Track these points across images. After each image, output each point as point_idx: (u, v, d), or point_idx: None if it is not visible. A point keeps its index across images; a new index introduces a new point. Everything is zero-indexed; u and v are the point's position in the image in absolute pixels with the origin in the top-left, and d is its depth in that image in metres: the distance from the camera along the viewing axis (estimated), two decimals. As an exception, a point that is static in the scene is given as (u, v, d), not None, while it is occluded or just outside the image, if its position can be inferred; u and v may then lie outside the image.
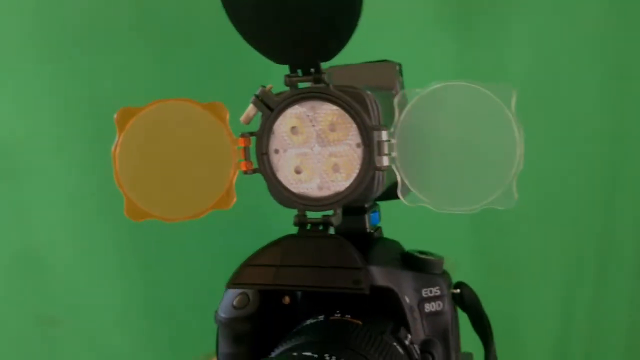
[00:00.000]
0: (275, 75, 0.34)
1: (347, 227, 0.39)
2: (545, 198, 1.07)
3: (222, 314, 0.39)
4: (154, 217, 0.33)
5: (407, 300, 0.37)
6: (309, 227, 0.33)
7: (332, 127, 0.32)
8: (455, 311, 0.39)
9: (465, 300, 0.39)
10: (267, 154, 0.34)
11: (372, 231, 0.40)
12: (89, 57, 0.63)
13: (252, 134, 0.34)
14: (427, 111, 0.28)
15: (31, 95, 0.66)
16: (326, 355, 0.29)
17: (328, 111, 0.32)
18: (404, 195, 0.31)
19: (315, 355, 0.28)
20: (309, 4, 0.29)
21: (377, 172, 0.32)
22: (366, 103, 0.31)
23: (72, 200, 0.68)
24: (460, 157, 0.29)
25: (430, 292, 0.38)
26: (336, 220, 0.32)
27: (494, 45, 0.91)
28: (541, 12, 0.94)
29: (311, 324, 0.34)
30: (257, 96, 0.33)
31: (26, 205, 0.69)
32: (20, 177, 0.67)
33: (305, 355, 0.29)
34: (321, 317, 0.35)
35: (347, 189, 0.32)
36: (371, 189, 0.33)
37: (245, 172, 0.34)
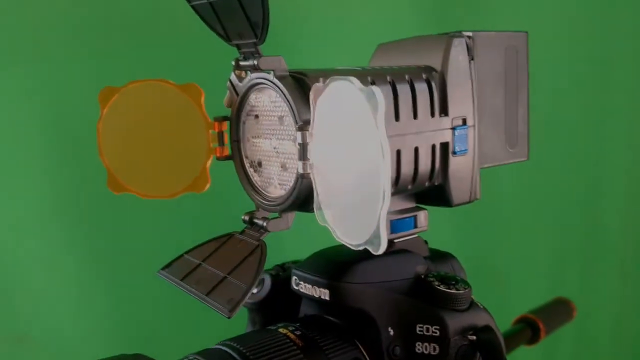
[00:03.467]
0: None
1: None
2: (528, 197, 1.08)
3: None
4: (131, 192, 0.35)
5: (391, 332, 0.33)
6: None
7: (281, 120, 0.30)
8: (463, 358, 0.33)
9: (482, 349, 0.32)
10: (237, 141, 0.33)
11: (390, 239, 0.35)
12: (48, 48, 0.59)
13: (225, 118, 0.33)
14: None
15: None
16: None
17: (277, 101, 0.30)
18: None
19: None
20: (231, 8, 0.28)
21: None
22: (303, 95, 0.28)
23: (39, 203, 0.64)
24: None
25: (427, 330, 0.32)
26: (273, 225, 0.30)
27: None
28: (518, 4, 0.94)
29: (256, 330, 0.33)
30: (230, 79, 0.33)
31: None
32: None
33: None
34: (280, 325, 0.33)
35: (286, 194, 0.30)
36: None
37: (219, 158, 0.34)
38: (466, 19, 0.94)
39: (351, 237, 0.25)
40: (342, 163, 0.25)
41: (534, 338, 0.65)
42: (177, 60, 0.56)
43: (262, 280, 0.40)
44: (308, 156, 0.27)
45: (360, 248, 0.25)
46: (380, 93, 0.22)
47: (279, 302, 0.38)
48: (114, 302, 0.64)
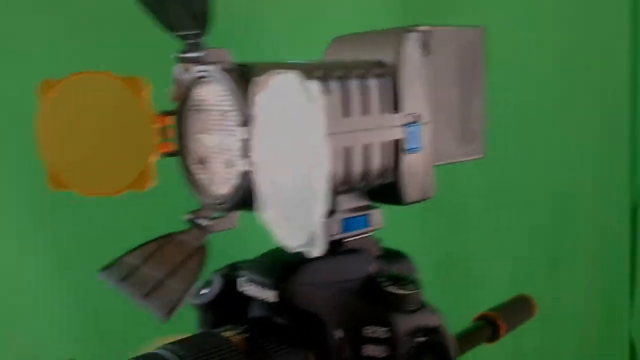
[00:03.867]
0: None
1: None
2: (498, 195, 1.09)
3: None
4: (72, 190, 0.34)
5: (339, 335, 0.32)
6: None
7: (225, 115, 0.29)
8: (413, 361, 0.32)
9: (431, 350, 0.32)
10: (182, 136, 0.32)
11: (336, 240, 0.35)
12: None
13: (170, 112, 0.32)
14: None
15: None
16: None
17: (221, 95, 0.29)
18: None
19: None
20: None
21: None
22: (246, 89, 0.27)
23: None
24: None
25: (375, 331, 0.32)
26: (216, 225, 0.29)
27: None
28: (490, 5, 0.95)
29: (200, 333, 0.32)
30: (175, 72, 0.32)
31: None
32: None
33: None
34: (228, 327, 0.33)
35: (230, 192, 0.29)
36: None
37: (163, 154, 0.33)
38: (435, 11, 0.94)
39: (291, 239, 0.24)
40: (284, 160, 0.24)
41: (494, 336, 0.65)
42: (124, 52, 0.54)
43: (212, 281, 0.39)
44: (251, 153, 0.27)
45: (300, 250, 0.24)
46: (317, 88, 0.21)
47: (229, 302, 0.37)
48: (68, 300, 0.63)
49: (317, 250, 0.23)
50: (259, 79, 0.24)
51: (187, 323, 0.41)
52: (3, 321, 0.61)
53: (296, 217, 0.23)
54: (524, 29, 1.06)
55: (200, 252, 0.28)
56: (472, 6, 0.96)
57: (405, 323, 0.32)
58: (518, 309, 0.72)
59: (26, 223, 0.61)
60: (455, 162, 0.39)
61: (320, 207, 0.22)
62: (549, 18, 1.11)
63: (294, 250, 0.24)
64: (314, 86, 0.21)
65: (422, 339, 0.32)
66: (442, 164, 0.38)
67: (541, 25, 1.09)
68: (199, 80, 0.29)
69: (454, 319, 0.49)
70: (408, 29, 0.34)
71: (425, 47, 0.34)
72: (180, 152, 0.32)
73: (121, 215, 0.55)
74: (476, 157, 0.39)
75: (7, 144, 0.57)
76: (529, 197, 1.19)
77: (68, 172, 0.34)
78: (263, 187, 0.25)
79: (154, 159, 0.33)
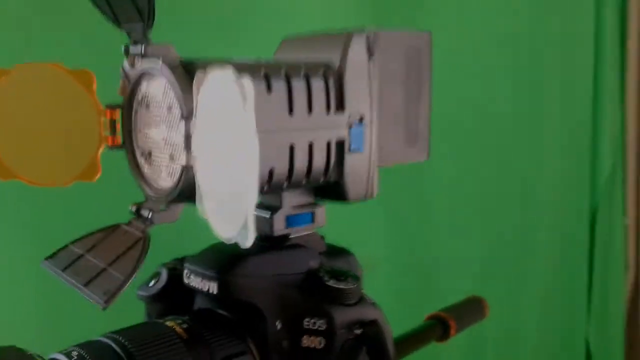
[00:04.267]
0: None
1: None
2: (460, 194, 1.12)
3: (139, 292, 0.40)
4: (20, 179, 0.34)
5: (279, 326, 0.33)
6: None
7: (170, 110, 0.30)
8: (350, 352, 0.33)
9: (368, 342, 0.33)
10: (129, 130, 0.33)
11: (281, 235, 0.36)
12: None
13: (118, 106, 0.33)
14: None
15: None
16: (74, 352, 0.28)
17: (165, 90, 0.30)
18: None
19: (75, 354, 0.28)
20: None
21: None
22: (189, 84, 0.28)
23: None
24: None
25: (314, 324, 0.33)
26: (159, 217, 0.30)
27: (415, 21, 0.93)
28: (456, 10, 0.98)
29: (143, 322, 0.33)
30: (122, 66, 0.33)
31: None
32: None
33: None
34: (170, 317, 0.34)
35: (172, 186, 0.30)
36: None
37: (111, 147, 0.34)
38: (403, 14, 0.96)
39: (224, 231, 0.25)
40: (220, 155, 0.25)
41: (444, 335, 0.67)
42: (73, 44, 0.55)
43: (159, 274, 0.40)
44: (192, 147, 0.28)
45: (232, 241, 0.25)
46: (250, 84, 0.22)
47: (176, 295, 0.38)
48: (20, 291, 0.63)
49: (247, 241, 0.24)
50: (200, 74, 0.25)
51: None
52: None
53: (229, 210, 0.24)
54: (488, 29, 1.08)
55: (141, 243, 0.29)
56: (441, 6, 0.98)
57: (343, 315, 0.33)
58: (469, 309, 0.74)
59: None
60: (400, 164, 0.40)
61: (250, 201, 0.23)
62: (515, 16, 1.13)
63: (228, 242, 0.25)
64: (247, 82, 0.22)
65: (359, 331, 0.33)
66: (387, 166, 0.39)
67: (505, 25, 1.11)
68: (145, 74, 0.30)
69: (415, 319, 0.50)
70: (354, 31, 0.35)
71: (371, 49, 0.35)
72: (127, 145, 0.33)
73: (71, 206, 0.55)
74: (421, 159, 0.41)
75: None
76: (490, 202, 1.22)
77: (17, 162, 0.34)
78: (201, 181, 0.26)
79: (101, 151, 0.34)
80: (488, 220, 1.21)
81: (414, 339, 0.65)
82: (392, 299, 0.66)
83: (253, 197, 0.23)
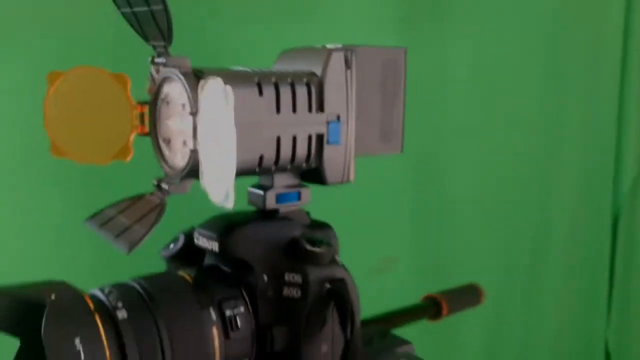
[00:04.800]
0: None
1: (250, 200, 0.45)
2: (482, 196, 1.17)
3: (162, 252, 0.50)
4: (69, 157, 0.44)
5: (265, 279, 0.42)
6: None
7: (183, 107, 0.39)
8: (321, 303, 0.42)
9: (334, 296, 0.42)
10: (154, 121, 0.42)
11: (271, 209, 0.45)
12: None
13: (146, 102, 0.43)
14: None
15: None
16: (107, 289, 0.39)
17: (180, 91, 0.39)
18: None
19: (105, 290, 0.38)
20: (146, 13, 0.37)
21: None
22: (197, 88, 0.37)
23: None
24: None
25: (293, 278, 0.42)
26: (174, 189, 0.39)
27: (437, 43, 0.99)
28: (483, 12, 1.01)
29: (162, 272, 0.43)
30: (150, 72, 0.42)
31: None
32: None
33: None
34: (183, 269, 0.43)
35: (184, 165, 0.39)
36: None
37: (140, 134, 0.43)
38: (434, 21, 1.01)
39: (215, 197, 0.34)
40: (214, 142, 0.34)
41: (436, 315, 0.75)
42: (114, 53, 0.65)
43: (178, 238, 0.49)
44: (197, 136, 0.37)
45: (221, 205, 0.34)
46: (231, 91, 0.31)
47: (190, 255, 0.47)
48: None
49: (229, 204, 0.33)
50: (202, 82, 0.34)
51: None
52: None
53: (217, 181, 0.33)
54: (514, 32, 1.12)
55: (159, 208, 0.38)
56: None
57: (316, 273, 0.42)
58: (464, 294, 0.82)
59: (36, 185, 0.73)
60: (375, 155, 0.49)
61: (229, 176, 0.32)
62: (543, 18, 1.17)
63: (218, 204, 0.35)
64: (229, 90, 0.31)
65: (328, 286, 0.42)
66: (364, 155, 0.48)
67: (532, 29, 1.15)
68: (166, 79, 0.40)
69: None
70: (335, 48, 0.44)
71: (348, 62, 0.44)
72: (152, 133, 0.42)
73: (108, 180, 0.66)
74: (395, 152, 0.49)
75: (20, 122, 0.69)
76: (512, 204, 1.26)
77: (67, 143, 0.44)
78: (202, 161, 0.35)
79: (133, 137, 0.44)
80: (509, 223, 1.25)
81: (407, 315, 0.73)
82: (412, 295, 0.74)
83: (231, 173, 0.32)
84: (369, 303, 0.51)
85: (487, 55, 1.09)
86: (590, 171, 1.38)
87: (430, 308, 0.76)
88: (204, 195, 0.40)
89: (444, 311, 0.76)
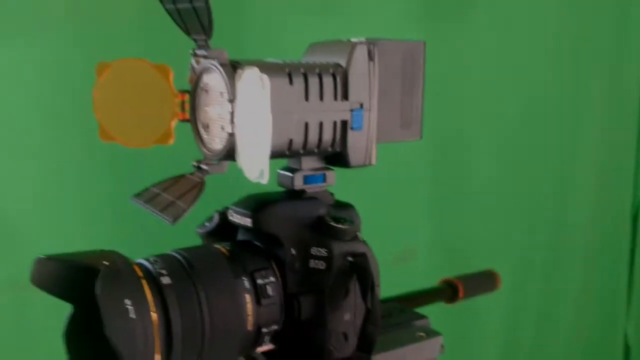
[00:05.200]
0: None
1: (279, 181, 0.50)
2: (501, 187, 1.19)
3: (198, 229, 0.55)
4: (116, 141, 0.49)
5: (294, 252, 0.46)
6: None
7: (221, 95, 0.43)
8: (344, 275, 0.46)
9: (356, 269, 0.46)
10: (194, 108, 0.47)
11: (299, 189, 0.49)
12: (50, 27, 0.73)
13: (186, 91, 0.47)
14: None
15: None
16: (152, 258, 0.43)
17: (219, 81, 0.43)
18: None
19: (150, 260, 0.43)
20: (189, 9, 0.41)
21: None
22: (234, 78, 0.41)
23: (41, 168, 0.75)
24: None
25: (319, 251, 0.46)
26: (212, 169, 0.44)
27: (459, 36, 1.01)
28: (504, 4, 1.03)
29: (200, 245, 0.47)
30: (190, 63, 0.46)
31: None
32: None
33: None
34: (219, 243, 0.48)
35: (222, 148, 0.43)
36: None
37: (181, 120, 0.47)
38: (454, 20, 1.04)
39: (250, 174, 0.38)
40: (250, 125, 0.38)
41: (453, 298, 0.79)
42: (157, 44, 0.70)
43: (213, 217, 0.54)
44: (234, 121, 0.41)
45: (256, 181, 0.38)
46: (268, 79, 0.35)
47: (224, 232, 0.52)
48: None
49: (264, 179, 0.37)
50: (240, 71, 0.38)
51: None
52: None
53: (253, 160, 0.37)
54: (535, 23, 1.14)
55: (199, 186, 0.43)
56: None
57: (339, 247, 0.46)
58: (481, 280, 0.85)
59: (57, 191, 0.78)
60: (396, 141, 0.52)
61: (265, 153, 0.36)
62: (562, 8, 1.18)
63: (253, 180, 0.39)
64: (265, 78, 0.35)
65: (351, 259, 0.46)
66: (385, 141, 0.52)
67: (557, 24, 1.16)
68: (206, 69, 0.44)
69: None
70: (359, 41, 0.48)
71: (371, 54, 0.48)
72: (192, 119, 0.46)
73: (152, 163, 0.71)
74: (414, 138, 0.53)
75: (71, 109, 0.74)
76: (531, 197, 1.28)
77: (114, 128, 0.49)
78: (239, 143, 0.40)
79: (174, 123, 0.48)
80: (527, 211, 1.27)
81: (424, 296, 0.77)
82: (430, 281, 0.77)
83: (266, 153, 0.36)
84: (388, 288, 0.54)
85: (507, 46, 1.11)
86: (610, 162, 1.39)
87: (447, 291, 0.79)
88: (234, 177, 0.45)
89: (460, 294, 0.79)
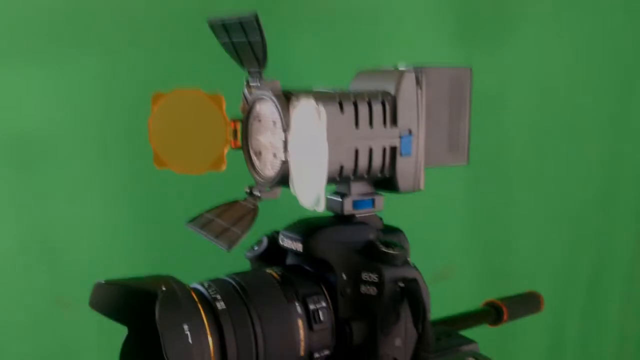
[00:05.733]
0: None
1: (328, 206, 0.50)
2: (544, 203, 1.17)
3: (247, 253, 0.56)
4: (170, 168, 0.50)
5: (344, 277, 0.47)
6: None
7: (274, 124, 0.44)
8: (395, 300, 0.46)
9: (408, 294, 0.46)
10: (246, 136, 0.48)
11: (349, 214, 0.49)
12: (108, 53, 0.76)
13: (239, 119, 0.48)
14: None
15: (51, 89, 0.76)
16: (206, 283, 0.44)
17: (272, 110, 0.44)
18: None
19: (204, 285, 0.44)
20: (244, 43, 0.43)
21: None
22: (287, 107, 0.42)
23: (88, 188, 0.77)
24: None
25: (369, 277, 0.46)
26: (265, 195, 0.44)
27: (500, 50, 1.01)
28: (545, 18, 1.01)
29: (251, 270, 0.48)
30: (243, 92, 0.48)
31: (45, 193, 0.77)
32: (39, 167, 0.76)
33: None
34: (270, 267, 0.48)
35: (274, 174, 0.44)
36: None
37: (233, 148, 0.49)
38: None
39: (306, 201, 0.39)
40: (305, 154, 0.39)
41: (497, 320, 0.78)
42: (211, 75, 0.73)
43: (261, 241, 0.55)
44: (288, 149, 0.42)
45: (312, 209, 0.39)
46: (324, 110, 0.36)
47: (273, 257, 0.53)
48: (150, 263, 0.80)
49: (320, 207, 0.38)
50: (294, 102, 0.40)
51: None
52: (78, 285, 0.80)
53: (309, 187, 0.38)
54: (575, 42, 1.12)
55: (253, 212, 0.44)
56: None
57: (390, 273, 0.46)
58: (525, 302, 0.84)
59: (103, 212, 0.80)
60: (443, 166, 0.53)
61: (320, 183, 0.37)
62: (604, 37, 1.17)
63: (309, 208, 0.40)
64: (322, 109, 0.36)
65: (402, 284, 0.46)
66: (433, 166, 0.52)
67: (598, 35, 1.15)
68: (259, 99, 0.45)
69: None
70: (407, 69, 0.49)
71: (419, 81, 0.48)
72: (245, 147, 0.48)
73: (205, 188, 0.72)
74: (461, 163, 0.53)
75: (92, 155, 0.76)
76: (574, 216, 1.26)
77: (168, 155, 0.50)
78: (293, 170, 0.41)
79: (226, 150, 0.49)
80: (571, 232, 1.25)
81: (468, 319, 0.76)
82: (471, 301, 0.77)
83: (322, 181, 0.37)
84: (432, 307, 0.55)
85: (548, 68, 1.11)
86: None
87: (491, 313, 0.79)
88: (280, 201, 0.45)
89: (505, 317, 0.79)
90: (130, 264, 0.80)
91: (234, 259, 0.55)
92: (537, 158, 1.14)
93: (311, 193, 0.38)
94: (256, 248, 0.54)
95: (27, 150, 0.76)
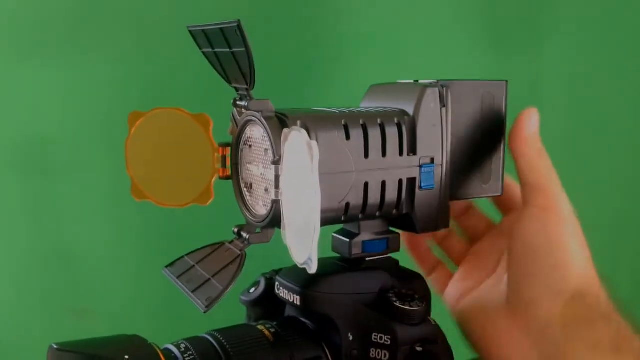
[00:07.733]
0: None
1: (334, 247, 0.42)
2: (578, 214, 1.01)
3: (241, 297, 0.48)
4: (150, 200, 0.42)
5: (351, 337, 0.38)
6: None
7: (266, 152, 0.36)
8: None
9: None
10: (236, 164, 0.40)
11: (357, 257, 0.41)
12: (124, 59, 0.70)
13: (228, 144, 0.40)
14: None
15: (67, 93, 0.71)
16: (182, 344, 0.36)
17: (263, 135, 0.36)
18: None
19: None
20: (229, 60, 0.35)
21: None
22: (280, 133, 0.34)
23: (104, 196, 0.73)
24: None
25: (380, 338, 0.38)
26: (254, 239, 0.36)
27: (531, 57, 0.93)
28: (577, 24, 0.93)
29: (240, 325, 0.40)
30: (232, 113, 0.40)
31: (60, 200, 0.74)
32: (54, 174, 0.73)
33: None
34: (261, 321, 0.40)
35: (266, 213, 0.36)
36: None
37: (221, 177, 0.41)
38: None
39: (297, 257, 0.31)
40: (297, 195, 0.31)
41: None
42: (195, 92, 0.65)
43: (259, 282, 0.47)
44: (280, 185, 0.34)
45: (303, 266, 0.31)
46: (317, 146, 0.28)
47: (271, 301, 0.45)
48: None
49: (312, 269, 0.30)
50: (285, 131, 0.32)
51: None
52: (99, 295, 0.76)
53: (300, 240, 0.30)
54: (613, 49, 1.05)
55: (239, 260, 0.36)
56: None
57: (407, 333, 0.38)
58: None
59: (120, 220, 0.74)
60: (473, 198, 0.44)
61: (313, 239, 0.29)
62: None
63: (300, 266, 0.31)
64: (315, 146, 0.28)
65: (420, 348, 0.38)
66: (460, 199, 0.44)
67: (628, 54, 1.08)
68: (249, 121, 0.37)
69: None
70: (429, 84, 0.40)
71: (443, 99, 0.40)
72: (234, 176, 0.40)
73: (187, 224, 0.66)
74: (494, 195, 0.45)
75: (104, 161, 0.71)
76: (612, 231, 1.17)
77: (148, 186, 0.42)
78: (284, 213, 0.32)
79: (213, 180, 0.42)
80: (608, 249, 1.17)
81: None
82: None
83: (316, 235, 0.29)
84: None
85: (582, 77, 1.03)
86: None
87: None
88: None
89: None
90: (141, 274, 0.74)
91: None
92: (571, 169, 1.05)
93: (303, 248, 0.30)
94: (252, 291, 0.46)
95: (40, 155, 0.73)
